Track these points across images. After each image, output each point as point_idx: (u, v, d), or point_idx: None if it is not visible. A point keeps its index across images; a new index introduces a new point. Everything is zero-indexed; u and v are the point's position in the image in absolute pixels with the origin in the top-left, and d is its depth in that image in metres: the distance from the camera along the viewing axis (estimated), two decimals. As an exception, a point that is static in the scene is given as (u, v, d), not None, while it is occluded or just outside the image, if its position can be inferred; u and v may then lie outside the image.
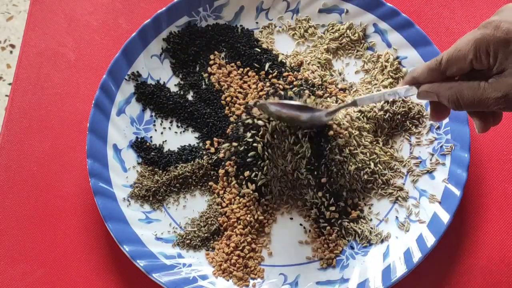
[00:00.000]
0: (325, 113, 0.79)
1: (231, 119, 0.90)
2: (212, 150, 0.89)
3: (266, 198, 0.86)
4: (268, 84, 0.91)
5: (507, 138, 0.90)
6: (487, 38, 0.60)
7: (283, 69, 0.92)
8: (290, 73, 0.92)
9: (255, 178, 0.85)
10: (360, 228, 0.84)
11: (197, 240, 0.84)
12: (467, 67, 0.63)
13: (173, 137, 0.91)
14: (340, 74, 0.94)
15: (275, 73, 0.92)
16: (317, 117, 0.79)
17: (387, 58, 0.93)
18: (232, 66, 0.94)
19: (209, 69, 0.94)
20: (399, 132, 0.90)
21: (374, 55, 0.94)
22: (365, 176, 0.86)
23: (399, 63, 0.93)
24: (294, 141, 0.84)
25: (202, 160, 0.88)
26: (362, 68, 0.94)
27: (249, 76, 0.93)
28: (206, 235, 0.84)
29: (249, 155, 0.85)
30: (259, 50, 0.94)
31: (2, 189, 0.89)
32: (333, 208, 0.84)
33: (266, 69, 0.93)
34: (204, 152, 0.89)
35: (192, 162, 0.88)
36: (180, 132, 0.92)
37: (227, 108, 0.91)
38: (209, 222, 0.85)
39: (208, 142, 0.90)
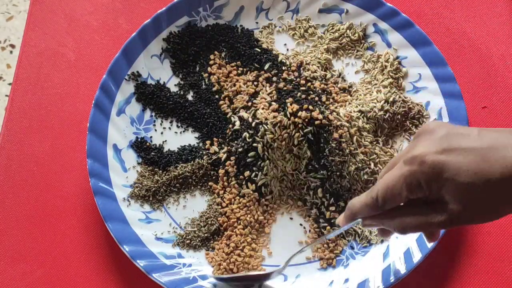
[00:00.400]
0: (276, 274, 0.79)
1: (226, 110, 0.91)
2: (212, 150, 0.89)
3: (266, 198, 0.86)
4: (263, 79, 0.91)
5: (507, 138, 0.90)
6: (416, 175, 0.58)
7: (283, 68, 0.92)
8: (286, 71, 0.92)
9: (255, 178, 0.85)
10: (360, 228, 0.84)
11: (197, 240, 0.84)
12: (403, 200, 0.61)
13: (173, 137, 0.91)
14: (340, 74, 0.94)
15: (274, 73, 0.92)
16: (270, 278, 0.80)
17: (387, 58, 0.93)
18: (232, 66, 0.94)
19: (209, 69, 0.94)
20: (399, 132, 0.90)
21: (374, 55, 0.94)
22: (365, 176, 0.86)
23: (399, 63, 0.93)
24: (293, 143, 0.84)
25: (202, 160, 0.88)
26: (362, 68, 0.95)
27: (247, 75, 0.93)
28: (206, 235, 0.84)
29: (249, 155, 0.85)
30: (259, 50, 0.94)
31: (2, 189, 0.89)
32: (333, 208, 0.84)
33: (265, 69, 0.93)
34: (204, 152, 0.89)
35: (192, 162, 0.88)
36: (180, 132, 0.92)
37: (225, 106, 0.91)
38: (209, 222, 0.85)
39: (208, 142, 0.90)
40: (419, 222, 0.60)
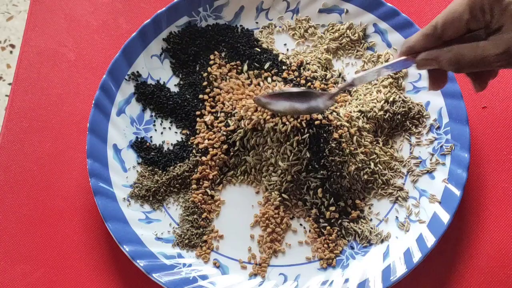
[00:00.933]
0: (327, 97, 0.77)
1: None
2: (201, 145, 0.88)
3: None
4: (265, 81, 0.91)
5: (507, 138, 0.90)
6: None
7: (283, 68, 0.92)
8: (286, 70, 0.92)
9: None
10: (360, 228, 0.84)
11: (195, 238, 0.84)
12: (463, 28, 0.61)
13: (173, 137, 0.91)
14: (340, 74, 0.94)
15: (274, 71, 0.92)
16: (317, 104, 0.78)
17: (387, 58, 0.93)
18: (232, 65, 0.94)
19: (209, 69, 0.94)
20: (399, 132, 0.90)
21: (374, 55, 0.94)
22: (365, 176, 0.86)
23: (399, 63, 0.93)
24: (292, 143, 0.84)
25: (195, 156, 0.88)
26: (362, 68, 0.94)
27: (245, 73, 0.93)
28: (200, 230, 0.84)
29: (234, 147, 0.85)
30: (259, 50, 0.94)
31: (2, 189, 0.89)
32: (333, 208, 0.84)
33: (265, 68, 0.93)
34: (194, 147, 0.89)
35: (187, 160, 0.88)
36: (180, 132, 0.92)
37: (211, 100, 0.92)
38: (197, 212, 0.85)
39: (193, 138, 0.90)
40: (476, 54, 0.60)
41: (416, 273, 0.81)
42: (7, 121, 0.93)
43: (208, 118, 0.90)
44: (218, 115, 0.90)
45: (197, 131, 0.90)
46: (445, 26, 0.61)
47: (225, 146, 0.87)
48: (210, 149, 0.88)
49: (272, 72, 0.92)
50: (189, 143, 0.90)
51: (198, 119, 0.90)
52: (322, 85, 0.90)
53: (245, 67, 0.93)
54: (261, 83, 0.91)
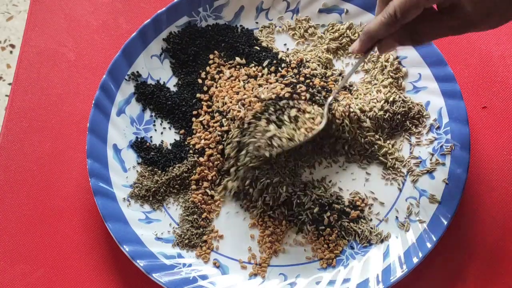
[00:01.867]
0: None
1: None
2: (197, 145, 0.88)
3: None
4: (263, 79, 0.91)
5: (507, 138, 0.90)
6: None
7: (283, 65, 0.92)
8: (285, 68, 0.92)
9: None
10: (360, 228, 0.84)
11: (195, 238, 0.84)
12: (420, 10, 0.67)
13: (172, 137, 0.91)
14: (340, 73, 0.94)
15: (273, 69, 0.92)
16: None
17: (387, 58, 0.93)
18: (231, 64, 0.94)
19: (207, 68, 0.94)
20: (399, 132, 0.90)
21: (374, 55, 0.94)
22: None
23: (399, 63, 0.93)
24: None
25: (193, 157, 0.88)
26: (362, 68, 0.94)
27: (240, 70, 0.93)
28: (200, 230, 0.84)
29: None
30: (258, 48, 0.94)
31: (2, 189, 0.89)
32: (328, 214, 0.84)
33: (265, 65, 0.93)
34: (191, 147, 0.89)
35: (186, 160, 0.88)
36: (178, 132, 0.91)
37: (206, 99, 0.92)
38: (197, 212, 0.85)
39: (189, 138, 0.90)
40: (435, 29, 0.69)
41: (416, 273, 0.81)
42: (7, 121, 0.93)
43: (204, 118, 0.90)
44: (214, 114, 0.90)
45: (194, 131, 0.90)
46: (403, 13, 0.66)
47: (220, 147, 0.87)
48: (207, 149, 0.88)
49: (271, 69, 0.92)
50: (186, 143, 0.90)
51: (194, 119, 0.90)
52: (322, 83, 0.90)
53: (240, 60, 0.93)
54: (258, 77, 0.91)
